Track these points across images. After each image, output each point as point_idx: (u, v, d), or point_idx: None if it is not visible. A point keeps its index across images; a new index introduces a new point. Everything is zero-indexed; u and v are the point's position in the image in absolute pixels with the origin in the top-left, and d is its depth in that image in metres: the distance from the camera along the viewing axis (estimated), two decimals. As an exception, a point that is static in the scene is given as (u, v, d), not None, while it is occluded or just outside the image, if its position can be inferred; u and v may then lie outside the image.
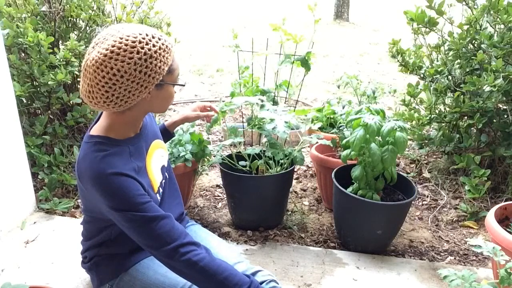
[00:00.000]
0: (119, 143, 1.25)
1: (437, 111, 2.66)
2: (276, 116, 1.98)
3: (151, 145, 1.40)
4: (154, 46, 1.13)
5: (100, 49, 1.12)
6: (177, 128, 2.26)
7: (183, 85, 1.28)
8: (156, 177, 1.38)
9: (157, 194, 1.38)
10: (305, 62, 2.28)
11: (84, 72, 1.15)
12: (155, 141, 1.43)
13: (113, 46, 1.10)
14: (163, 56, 1.15)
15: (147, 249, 1.21)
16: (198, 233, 1.57)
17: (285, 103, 2.53)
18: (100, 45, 1.13)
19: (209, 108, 1.85)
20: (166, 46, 1.17)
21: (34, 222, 2.23)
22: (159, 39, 1.16)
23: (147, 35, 1.13)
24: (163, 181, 1.45)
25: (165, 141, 1.78)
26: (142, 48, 1.11)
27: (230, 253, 1.46)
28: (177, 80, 1.26)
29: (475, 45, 2.45)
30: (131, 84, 1.12)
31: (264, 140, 2.44)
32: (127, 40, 1.11)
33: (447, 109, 2.65)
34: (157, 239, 1.18)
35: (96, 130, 1.27)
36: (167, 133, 1.76)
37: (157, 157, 1.42)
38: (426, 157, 3.06)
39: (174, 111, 4.18)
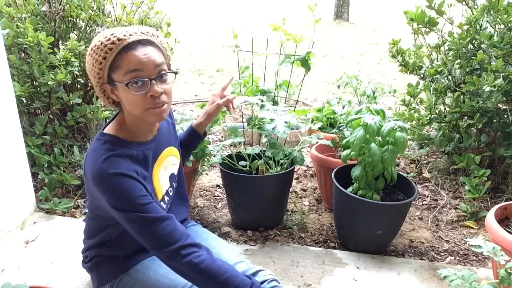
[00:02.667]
0: (128, 145, 1.25)
1: (437, 111, 2.66)
2: (276, 116, 1.98)
3: (163, 152, 1.39)
4: (96, 42, 1.18)
5: None
6: (177, 127, 2.26)
7: (126, 84, 1.15)
8: (162, 186, 1.37)
9: (162, 202, 1.36)
10: (305, 62, 2.28)
11: None
12: (168, 148, 1.41)
13: None
14: (96, 53, 1.17)
15: (149, 249, 1.21)
16: (198, 233, 1.57)
17: (285, 103, 2.53)
18: None
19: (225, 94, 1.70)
20: (102, 43, 1.15)
21: (34, 222, 2.23)
22: (106, 35, 1.17)
23: (102, 35, 1.18)
24: (170, 189, 1.43)
25: (196, 144, 1.73)
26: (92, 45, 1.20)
27: (230, 253, 1.46)
28: (126, 79, 1.15)
29: (475, 45, 2.45)
30: (90, 76, 1.22)
31: (264, 140, 2.45)
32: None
33: (447, 109, 2.65)
34: (159, 240, 1.18)
35: (108, 128, 1.28)
36: (195, 135, 1.69)
37: (167, 164, 1.41)
38: (426, 157, 3.07)
39: (174, 111, 4.18)
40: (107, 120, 1.38)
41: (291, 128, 1.97)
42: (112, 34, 1.15)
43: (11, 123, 2.15)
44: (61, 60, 2.43)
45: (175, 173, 1.48)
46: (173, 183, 1.47)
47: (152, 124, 1.32)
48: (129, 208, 1.17)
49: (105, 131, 1.28)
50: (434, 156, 3.06)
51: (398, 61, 2.79)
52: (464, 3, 2.47)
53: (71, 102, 2.60)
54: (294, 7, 11.50)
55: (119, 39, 1.14)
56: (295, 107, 2.56)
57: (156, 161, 1.35)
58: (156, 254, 1.20)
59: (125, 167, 1.19)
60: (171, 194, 1.44)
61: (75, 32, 2.79)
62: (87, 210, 1.47)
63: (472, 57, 2.41)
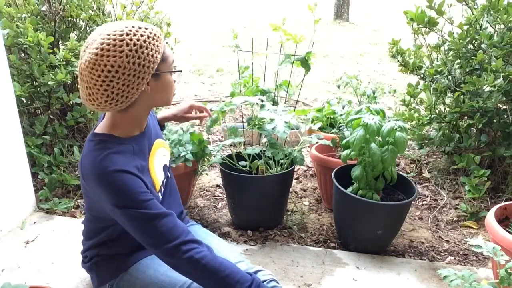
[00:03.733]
0: (123, 142, 1.25)
1: (437, 111, 2.66)
2: (276, 116, 1.98)
3: (154, 144, 1.40)
4: (142, 35, 1.14)
5: (90, 50, 1.13)
6: (177, 127, 2.27)
7: (181, 71, 1.28)
8: (158, 176, 1.38)
9: (159, 193, 1.38)
10: (305, 62, 2.28)
11: (81, 76, 1.16)
12: (157, 140, 1.43)
13: (102, 44, 1.11)
14: (153, 44, 1.16)
15: (148, 247, 1.21)
16: (198, 233, 1.57)
17: (285, 103, 2.53)
18: (90, 47, 1.14)
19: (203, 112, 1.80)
20: (154, 34, 1.17)
21: (34, 222, 2.23)
22: (146, 28, 1.16)
23: (133, 27, 1.15)
24: (165, 180, 1.45)
25: None
26: (131, 39, 1.12)
27: (230, 253, 1.47)
28: (172, 67, 1.25)
29: (475, 45, 2.45)
30: (127, 78, 1.13)
31: (264, 140, 2.45)
32: (114, 35, 1.12)
33: (447, 109, 2.65)
34: (159, 236, 1.18)
35: (100, 128, 1.28)
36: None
37: (160, 156, 1.42)
38: (426, 157, 3.07)
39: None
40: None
41: (291, 128, 1.97)
42: (143, 26, 1.16)
43: (11, 123, 2.15)
44: (61, 60, 2.43)
45: (167, 164, 1.49)
46: (167, 173, 1.49)
47: (145, 119, 1.33)
48: (130, 204, 1.17)
49: (97, 131, 1.27)
50: (434, 156, 3.06)
51: (398, 61, 2.79)
52: (464, 3, 2.47)
53: (71, 102, 2.60)
54: (294, 7, 11.50)
55: (156, 30, 1.19)
56: (295, 107, 2.56)
57: (150, 152, 1.36)
58: (156, 251, 1.20)
59: (124, 163, 1.19)
60: (165, 184, 1.46)
61: (75, 32, 2.79)
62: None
63: (472, 57, 2.41)
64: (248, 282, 1.20)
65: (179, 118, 1.74)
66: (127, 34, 1.12)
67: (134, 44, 1.12)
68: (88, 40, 1.16)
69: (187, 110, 1.75)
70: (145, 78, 1.16)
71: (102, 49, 1.11)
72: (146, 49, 1.14)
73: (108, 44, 1.11)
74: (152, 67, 1.16)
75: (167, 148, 1.52)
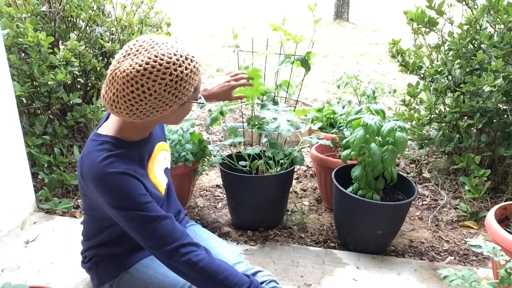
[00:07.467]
0: (125, 146, 1.24)
1: (437, 111, 2.66)
2: (278, 115, 1.98)
3: (155, 147, 1.40)
4: (186, 69, 1.12)
5: (132, 62, 1.09)
6: (177, 127, 2.26)
7: (203, 103, 1.30)
8: (160, 180, 1.38)
9: (164, 196, 1.39)
10: (305, 62, 2.27)
11: (112, 80, 1.13)
12: (158, 144, 1.43)
13: (147, 64, 1.08)
14: (193, 79, 1.14)
15: (147, 248, 1.21)
16: (198, 233, 1.57)
17: (285, 103, 2.53)
18: (133, 57, 1.10)
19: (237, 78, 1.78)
20: (197, 69, 1.16)
21: (34, 222, 2.23)
22: (192, 61, 1.14)
23: (181, 56, 1.12)
24: (168, 182, 1.45)
25: None
26: (175, 70, 1.10)
27: (230, 253, 1.47)
28: (197, 97, 1.25)
29: (475, 45, 2.45)
30: (157, 103, 1.12)
31: (264, 140, 2.44)
32: (162, 59, 1.09)
33: (447, 109, 2.65)
34: (158, 239, 1.18)
35: (105, 129, 1.27)
36: None
37: (161, 159, 1.42)
38: (426, 157, 3.07)
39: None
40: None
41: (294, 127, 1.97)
42: (190, 56, 1.14)
43: (11, 123, 2.15)
44: (61, 60, 2.43)
45: (169, 167, 1.49)
46: (169, 176, 1.49)
47: (152, 128, 1.33)
48: (129, 206, 1.17)
49: (101, 132, 1.26)
50: (434, 156, 3.06)
51: (398, 61, 2.79)
52: (464, 3, 2.47)
53: (71, 102, 2.60)
54: (294, 7, 11.50)
55: (199, 63, 1.17)
56: (295, 107, 2.56)
57: (150, 158, 1.36)
58: (155, 253, 1.20)
59: (124, 166, 1.19)
60: (169, 187, 1.47)
61: (75, 32, 2.79)
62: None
63: (472, 57, 2.41)
64: (246, 284, 1.21)
65: (223, 99, 1.78)
66: (174, 64, 1.10)
67: (177, 76, 1.10)
68: (133, 46, 1.13)
69: (222, 86, 1.73)
70: (173, 106, 1.15)
71: (145, 69, 1.08)
72: (185, 82, 1.12)
73: (153, 67, 1.08)
74: (183, 99, 1.15)
75: (168, 151, 1.51)
